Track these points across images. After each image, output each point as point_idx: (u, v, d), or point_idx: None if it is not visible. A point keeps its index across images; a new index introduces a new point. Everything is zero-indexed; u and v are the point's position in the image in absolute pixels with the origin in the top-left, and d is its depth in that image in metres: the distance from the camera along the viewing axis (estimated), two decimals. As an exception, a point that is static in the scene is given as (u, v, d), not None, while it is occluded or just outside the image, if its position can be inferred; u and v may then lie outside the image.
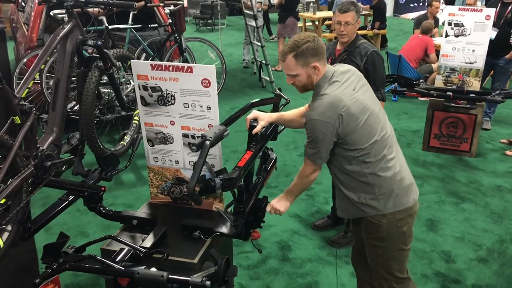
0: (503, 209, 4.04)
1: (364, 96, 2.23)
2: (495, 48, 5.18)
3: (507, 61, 5.47)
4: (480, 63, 4.75)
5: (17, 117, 1.98)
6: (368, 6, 10.35)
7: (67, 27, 2.37)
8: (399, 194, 2.25)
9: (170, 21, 5.53)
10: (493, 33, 5.21)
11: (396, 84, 5.16)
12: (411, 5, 15.19)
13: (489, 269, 3.27)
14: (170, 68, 2.31)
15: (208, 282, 1.69)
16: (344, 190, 2.31)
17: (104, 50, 2.51)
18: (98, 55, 2.52)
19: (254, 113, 2.46)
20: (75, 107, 4.18)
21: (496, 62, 5.47)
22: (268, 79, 7.41)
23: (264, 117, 2.45)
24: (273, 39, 10.67)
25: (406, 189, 2.28)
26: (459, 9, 4.77)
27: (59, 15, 3.74)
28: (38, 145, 2.19)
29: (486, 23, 4.70)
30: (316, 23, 10.27)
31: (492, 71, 5.70)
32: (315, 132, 2.20)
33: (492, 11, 4.75)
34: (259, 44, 7.44)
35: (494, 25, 5.12)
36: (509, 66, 5.58)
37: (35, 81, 2.27)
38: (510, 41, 5.02)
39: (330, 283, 3.12)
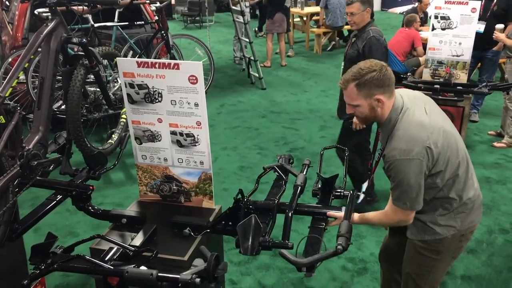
0: (491, 200, 4.08)
1: (437, 116, 2.08)
2: (483, 41, 5.21)
3: (495, 53, 5.51)
4: (467, 56, 4.78)
5: (1, 116, 1.96)
6: None
7: (50, 25, 2.35)
8: (475, 210, 2.14)
9: (156, 18, 5.49)
10: (481, 26, 5.25)
11: (384, 78, 5.17)
12: (399, -1, 15.23)
13: (478, 260, 3.30)
14: (157, 65, 2.29)
15: (197, 279, 1.68)
16: (421, 217, 2.13)
17: (89, 48, 2.49)
18: (83, 53, 2.50)
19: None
20: (62, 107, 4.15)
21: (484, 54, 5.51)
22: (257, 75, 7.40)
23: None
24: (262, 35, 10.64)
25: (479, 206, 2.18)
26: (445, 2, 4.78)
27: (44, 14, 3.69)
28: (24, 145, 2.17)
29: (472, 15, 4.73)
30: (304, 18, 10.26)
31: (480, 64, 5.74)
32: (404, 175, 1.95)
33: (477, 4, 4.78)
34: (248, 40, 7.42)
35: (480, 18, 5.16)
36: (497, 58, 5.62)
37: (21, 80, 2.25)
38: (493, 36, 5.05)
39: (322, 277, 3.13)
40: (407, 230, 2.22)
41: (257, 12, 11.63)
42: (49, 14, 2.50)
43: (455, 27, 4.77)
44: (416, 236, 2.18)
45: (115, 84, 4.57)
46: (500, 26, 5.06)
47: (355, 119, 3.53)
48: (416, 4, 7.63)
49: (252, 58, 7.44)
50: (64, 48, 2.50)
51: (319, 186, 2.33)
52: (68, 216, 3.83)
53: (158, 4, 5.47)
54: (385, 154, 2.02)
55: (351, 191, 2.18)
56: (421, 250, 2.18)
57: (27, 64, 2.24)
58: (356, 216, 2.14)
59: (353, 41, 3.69)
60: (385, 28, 11.95)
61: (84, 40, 2.45)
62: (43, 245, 1.96)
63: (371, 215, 2.19)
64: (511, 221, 3.77)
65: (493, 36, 5.05)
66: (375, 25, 3.68)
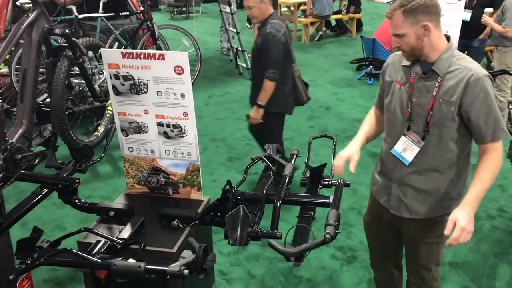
0: (478, 187, 4.11)
1: None
2: (469, 29, 5.22)
3: (481, 42, 5.53)
4: (454, 44, 4.79)
5: (-18, 110, 1.92)
6: None
7: (31, 16, 2.31)
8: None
9: (142, 8, 5.43)
10: (467, 15, 5.25)
11: (371, 67, 5.17)
12: (386, -12, 15.21)
13: (465, 246, 3.33)
14: (142, 56, 2.26)
15: (186, 271, 1.67)
16: (449, 188, 2.05)
17: (73, 39, 2.45)
18: (66, 45, 2.46)
19: (342, 155, 2.13)
20: (48, 99, 4.09)
21: (470, 43, 5.52)
22: (244, 66, 7.36)
23: (353, 152, 2.15)
24: (251, 28, 10.59)
25: None
26: (432, -10, 4.78)
27: (26, 5, 3.63)
28: (7, 138, 2.13)
29: (458, 4, 4.73)
30: (292, 8, 10.22)
31: (466, 52, 5.76)
32: (491, 93, 1.89)
33: (464, -8, 4.78)
34: (235, 30, 7.37)
35: (466, 7, 5.16)
36: (483, 47, 5.64)
37: (5, 73, 2.21)
38: (481, 20, 5.05)
39: (311, 266, 3.14)
40: (421, 209, 2.09)
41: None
42: (31, 5, 2.45)
43: (442, 16, 4.76)
44: (437, 212, 2.09)
45: (101, 76, 4.51)
46: (489, 10, 5.06)
47: (253, 113, 3.55)
48: (403, -7, 7.63)
49: (239, 48, 7.40)
50: (47, 39, 2.46)
51: (307, 175, 2.33)
52: (55, 210, 3.79)
53: (143, -5, 5.41)
54: (474, 75, 1.87)
55: (339, 180, 2.18)
56: (429, 240, 2.13)
57: (8, 56, 2.20)
58: (471, 201, 1.91)
59: (259, 33, 3.63)
60: (372, 17, 11.97)
61: (67, 31, 2.41)
62: (29, 239, 1.94)
63: (478, 183, 1.93)
64: (497, 208, 3.81)
65: (482, 20, 5.04)
66: (278, 17, 3.61)
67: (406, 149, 2.06)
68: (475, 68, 1.92)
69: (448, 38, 2.00)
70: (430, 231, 2.12)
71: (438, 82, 1.94)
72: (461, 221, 1.84)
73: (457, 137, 1.99)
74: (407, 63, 2.04)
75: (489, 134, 1.93)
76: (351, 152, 2.15)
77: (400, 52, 2.10)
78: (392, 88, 2.10)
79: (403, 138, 2.06)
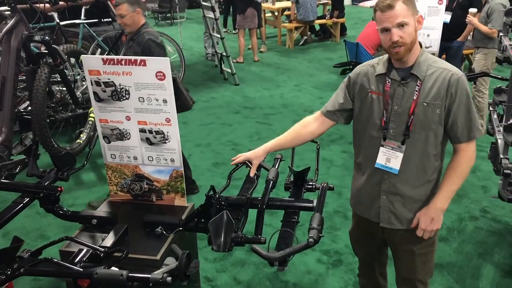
0: (462, 189, 4.14)
1: None
2: (449, 32, 5.29)
3: (460, 44, 5.61)
4: (435, 47, 4.84)
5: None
6: None
7: (10, 23, 2.28)
8: None
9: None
10: (447, 17, 5.32)
11: (355, 71, 5.20)
12: (369, -7, 15.38)
13: (449, 247, 3.36)
14: (123, 62, 2.25)
15: (169, 278, 1.66)
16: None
17: (53, 46, 2.43)
18: (47, 52, 2.43)
19: (243, 156, 2.21)
20: (29, 107, 4.04)
21: (449, 45, 5.59)
22: (229, 71, 7.37)
23: (256, 154, 2.18)
24: (236, 33, 10.61)
25: None
26: (413, -5, 4.84)
27: (5, 12, 3.58)
28: (-15, 147, 2.10)
29: (439, 7, 4.80)
30: (276, 13, 10.26)
31: (445, 55, 5.84)
32: (469, 91, 1.93)
33: (445, -4, 4.85)
34: (219, 36, 7.37)
35: (446, 9, 5.23)
36: (462, 49, 5.73)
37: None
38: (466, 20, 5.12)
39: (297, 271, 3.14)
40: (412, 218, 2.06)
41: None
42: (9, 12, 2.42)
43: (423, 19, 4.83)
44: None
45: (84, 82, 4.47)
46: (473, 10, 5.14)
47: None
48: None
49: (224, 54, 7.40)
50: (27, 46, 2.43)
51: (291, 179, 2.33)
52: (38, 219, 3.74)
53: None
54: (454, 75, 1.91)
55: (323, 184, 2.18)
56: (422, 250, 2.11)
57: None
58: (438, 202, 1.99)
59: (130, 45, 3.54)
60: (356, 22, 12.06)
61: (47, 38, 2.39)
62: (9, 249, 1.90)
63: (448, 181, 2.00)
64: (480, 208, 3.85)
65: (467, 20, 5.12)
66: (150, 26, 3.61)
67: (390, 158, 2.02)
68: (452, 68, 1.95)
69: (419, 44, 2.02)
70: (423, 239, 2.07)
71: (418, 85, 1.93)
72: (422, 223, 2.00)
73: (442, 140, 2.00)
74: (382, 71, 2.01)
75: (465, 134, 1.96)
76: (251, 155, 2.20)
77: (369, 63, 2.09)
78: (366, 98, 2.05)
79: (382, 149, 2.02)
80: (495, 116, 3.72)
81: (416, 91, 1.93)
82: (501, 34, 3.67)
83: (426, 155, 1.99)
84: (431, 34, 4.84)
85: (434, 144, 1.98)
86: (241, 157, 2.22)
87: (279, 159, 2.40)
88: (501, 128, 3.38)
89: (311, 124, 2.21)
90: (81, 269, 1.80)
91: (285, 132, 2.25)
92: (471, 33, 5.51)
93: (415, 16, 1.92)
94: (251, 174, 2.20)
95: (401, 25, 1.88)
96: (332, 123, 2.19)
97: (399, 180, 2.03)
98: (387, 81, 1.99)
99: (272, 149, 2.23)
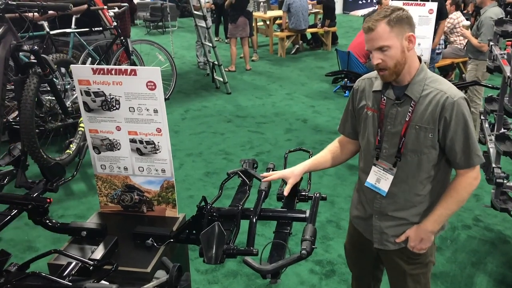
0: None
1: None
2: None
3: (432, 51, 5.69)
4: (426, 56, 4.88)
5: None
6: (315, 1, 10.53)
7: (-2, 32, 2.25)
8: None
9: (115, 23, 5.38)
10: None
11: (346, 80, 5.23)
12: (360, 2, 15.52)
13: (443, 257, 3.35)
14: (113, 72, 2.22)
15: (159, 292, 1.63)
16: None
17: (42, 55, 2.40)
18: (35, 61, 2.40)
19: (279, 174, 2.11)
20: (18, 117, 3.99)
21: None
22: (221, 80, 7.36)
23: (294, 173, 2.10)
24: (227, 42, 10.63)
25: None
26: (404, 4, 4.88)
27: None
28: (-28, 159, 2.05)
29: (429, 17, 4.84)
30: (268, 22, 10.29)
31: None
32: (468, 115, 1.80)
33: (434, 5, 4.90)
34: (211, 45, 7.37)
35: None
36: (435, 55, 5.81)
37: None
38: (459, 32, 5.24)
39: (290, 282, 3.11)
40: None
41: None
42: (-2, 21, 2.39)
43: (414, 28, 4.87)
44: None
45: (74, 92, 4.43)
46: (466, 23, 5.25)
47: None
48: (377, 6, 7.77)
49: (216, 62, 7.40)
50: (15, 56, 2.40)
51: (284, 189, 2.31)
52: (27, 231, 3.68)
53: (116, 10, 5.36)
54: (449, 99, 1.79)
55: (315, 194, 2.16)
56: (417, 271, 2.06)
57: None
58: (430, 224, 1.94)
59: None
60: (347, 30, 12.14)
61: (36, 47, 2.36)
62: (-5, 263, 1.86)
63: (443, 204, 1.93)
64: (473, 217, 3.85)
65: (460, 33, 5.22)
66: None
67: (380, 179, 1.97)
68: (450, 90, 1.83)
69: (419, 59, 1.93)
70: (416, 260, 2.04)
71: (412, 106, 1.86)
72: (411, 241, 1.97)
73: (437, 162, 1.91)
74: (378, 87, 1.95)
75: (463, 161, 1.86)
76: (288, 173, 2.11)
77: (369, 76, 2.03)
78: (363, 115, 2.01)
79: (374, 168, 1.99)
80: (487, 125, 3.73)
81: (409, 112, 1.86)
82: (491, 43, 3.70)
83: (419, 179, 1.92)
84: (422, 43, 4.87)
85: (427, 168, 1.90)
86: (276, 174, 2.11)
87: (271, 169, 2.38)
88: (493, 137, 3.39)
89: (346, 145, 2.19)
90: (70, 283, 1.76)
91: (320, 152, 2.21)
92: (464, 43, 5.59)
93: (404, 35, 1.80)
94: (285, 193, 2.07)
95: (380, 49, 1.80)
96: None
97: (389, 202, 1.99)
98: (383, 99, 1.93)
99: (310, 169, 2.17)
